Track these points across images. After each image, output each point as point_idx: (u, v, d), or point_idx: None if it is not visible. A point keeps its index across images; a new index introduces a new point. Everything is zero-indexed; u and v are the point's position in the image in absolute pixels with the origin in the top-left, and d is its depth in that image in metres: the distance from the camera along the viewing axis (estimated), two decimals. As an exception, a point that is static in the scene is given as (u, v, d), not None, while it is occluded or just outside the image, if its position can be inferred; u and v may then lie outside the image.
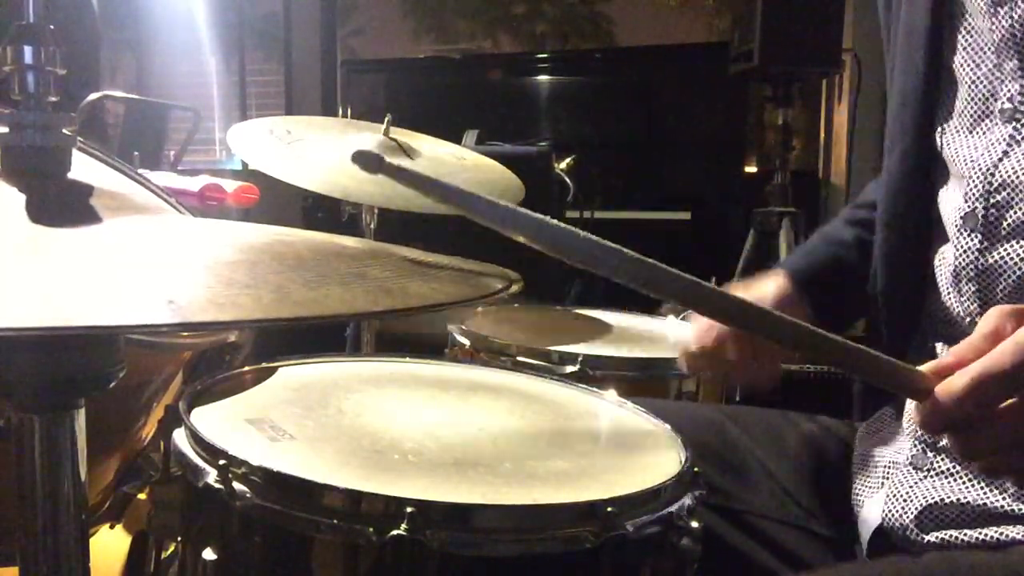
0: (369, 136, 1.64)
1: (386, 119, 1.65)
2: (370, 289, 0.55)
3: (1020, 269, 0.81)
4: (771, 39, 2.86)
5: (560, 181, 3.27)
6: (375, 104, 4.84)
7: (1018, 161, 0.81)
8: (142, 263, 0.56)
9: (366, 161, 0.67)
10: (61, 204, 0.63)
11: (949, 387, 0.62)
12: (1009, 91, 0.83)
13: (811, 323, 0.69)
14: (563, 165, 3.36)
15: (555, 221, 0.61)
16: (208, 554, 0.71)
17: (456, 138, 2.41)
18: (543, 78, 4.76)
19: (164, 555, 0.93)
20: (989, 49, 0.85)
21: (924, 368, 0.65)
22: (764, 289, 1.08)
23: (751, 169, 4.78)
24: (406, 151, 1.62)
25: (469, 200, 0.64)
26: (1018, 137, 0.82)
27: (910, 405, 0.93)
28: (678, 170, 4.54)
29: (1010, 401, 0.62)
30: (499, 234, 0.63)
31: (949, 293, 0.88)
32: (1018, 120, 0.82)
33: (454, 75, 5.00)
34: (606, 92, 4.66)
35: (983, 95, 0.85)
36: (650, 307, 1.65)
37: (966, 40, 0.87)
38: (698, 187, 4.48)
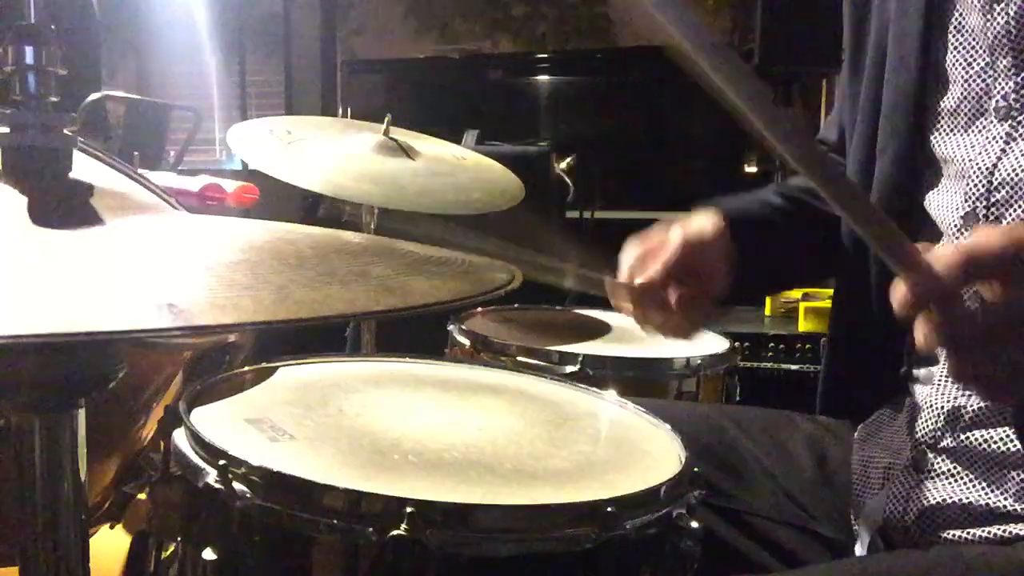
0: (369, 136, 1.64)
1: (386, 119, 1.65)
2: (371, 288, 0.55)
3: None
4: (771, 39, 2.86)
5: (560, 181, 3.27)
6: (375, 104, 4.84)
7: (1016, 159, 0.81)
8: (143, 265, 0.56)
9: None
10: (62, 204, 0.63)
11: (940, 255, 0.63)
12: (1003, 89, 0.83)
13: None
14: (563, 165, 3.35)
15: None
16: (208, 554, 0.71)
17: (456, 138, 2.41)
18: (543, 78, 4.75)
19: (164, 555, 0.93)
20: (982, 47, 0.85)
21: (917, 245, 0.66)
22: (701, 219, 1.03)
23: (751, 169, 4.78)
24: (406, 151, 1.62)
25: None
26: (1015, 135, 0.82)
27: (909, 405, 0.93)
28: (678, 170, 4.53)
29: (995, 289, 0.63)
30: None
31: None
32: (1014, 118, 0.82)
33: (454, 75, 5.00)
34: (606, 92, 4.65)
35: (976, 93, 0.85)
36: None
37: (958, 39, 0.87)
38: (698, 187, 4.48)
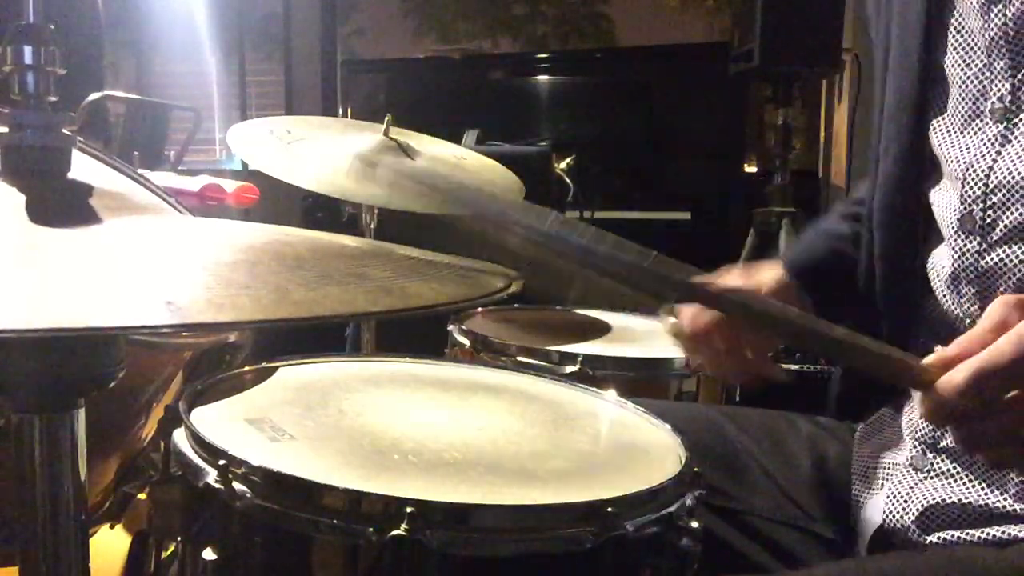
0: (369, 136, 1.64)
1: (386, 119, 1.65)
2: (369, 289, 0.55)
3: (1020, 271, 0.81)
4: (771, 39, 2.86)
5: (560, 181, 3.27)
6: (375, 104, 4.84)
7: (1012, 162, 0.81)
8: (141, 264, 0.56)
9: (367, 162, 0.67)
10: (61, 204, 0.63)
11: (951, 380, 0.62)
12: (999, 90, 0.83)
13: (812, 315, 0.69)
14: (563, 165, 3.36)
15: (552, 217, 0.61)
16: (208, 554, 0.71)
17: (456, 138, 2.41)
18: (543, 78, 4.75)
19: (164, 555, 0.93)
20: (980, 48, 0.85)
21: (927, 360, 0.65)
22: (762, 276, 1.07)
23: (751, 169, 4.78)
24: (406, 151, 1.62)
25: (468, 198, 0.64)
26: (1010, 137, 0.82)
27: (909, 405, 0.93)
28: (678, 170, 4.53)
29: (1013, 393, 0.62)
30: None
31: (944, 295, 0.88)
32: (1009, 120, 0.82)
33: (454, 75, 5.00)
34: (606, 92, 4.65)
35: (973, 94, 0.85)
36: (650, 307, 1.65)
37: (957, 39, 0.87)
38: (698, 187, 4.48)
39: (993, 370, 0.61)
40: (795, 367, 2.19)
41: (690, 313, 1.04)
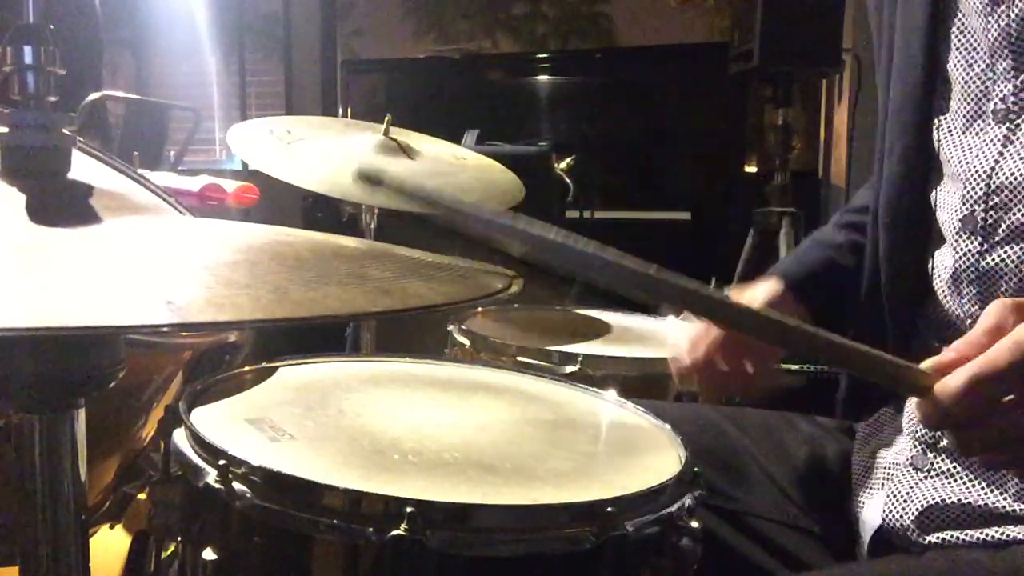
0: (369, 136, 1.64)
1: (386, 119, 1.65)
2: (369, 289, 0.55)
3: (1021, 272, 0.81)
4: (771, 39, 2.86)
5: (560, 181, 3.27)
6: (375, 104, 4.84)
7: (1014, 163, 0.81)
8: (141, 263, 0.56)
9: (368, 177, 0.68)
10: (61, 204, 0.63)
11: (947, 385, 0.62)
12: (1002, 91, 0.83)
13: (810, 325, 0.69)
14: (563, 165, 3.36)
15: (554, 230, 0.61)
16: (208, 554, 0.71)
17: (456, 138, 2.41)
18: (543, 78, 4.75)
19: (164, 555, 0.94)
20: (983, 49, 0.85)
21: (925, 364, 0.65)
22: (756, 292, 1.07)
23: (751, 169, 4.78)
24: (406, 151, 1.62)
25: (469, 213, 0.64)
26: (1013, 138, 0.82)
27: (909, 405, 0.93)
28: (678, 170, 4.54)
29: (1009, 397, 0.62)
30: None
31: (946, 295, 0.88)
32: (1012, 120, 0.82)
33: (454, 75, 5.00)
34: (606, 92, 4.65)
35: (976, 95, 0.85)
36: (650, 307, 1.65)
37: (959, 40, 0.87)
38: (698, 187, 4.48)
39: (988, 376, 0.61)
40: (795, 367, 2.19)
41: (687, 346, 1.05)
